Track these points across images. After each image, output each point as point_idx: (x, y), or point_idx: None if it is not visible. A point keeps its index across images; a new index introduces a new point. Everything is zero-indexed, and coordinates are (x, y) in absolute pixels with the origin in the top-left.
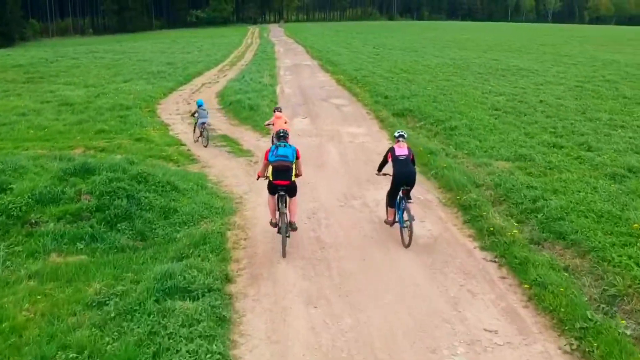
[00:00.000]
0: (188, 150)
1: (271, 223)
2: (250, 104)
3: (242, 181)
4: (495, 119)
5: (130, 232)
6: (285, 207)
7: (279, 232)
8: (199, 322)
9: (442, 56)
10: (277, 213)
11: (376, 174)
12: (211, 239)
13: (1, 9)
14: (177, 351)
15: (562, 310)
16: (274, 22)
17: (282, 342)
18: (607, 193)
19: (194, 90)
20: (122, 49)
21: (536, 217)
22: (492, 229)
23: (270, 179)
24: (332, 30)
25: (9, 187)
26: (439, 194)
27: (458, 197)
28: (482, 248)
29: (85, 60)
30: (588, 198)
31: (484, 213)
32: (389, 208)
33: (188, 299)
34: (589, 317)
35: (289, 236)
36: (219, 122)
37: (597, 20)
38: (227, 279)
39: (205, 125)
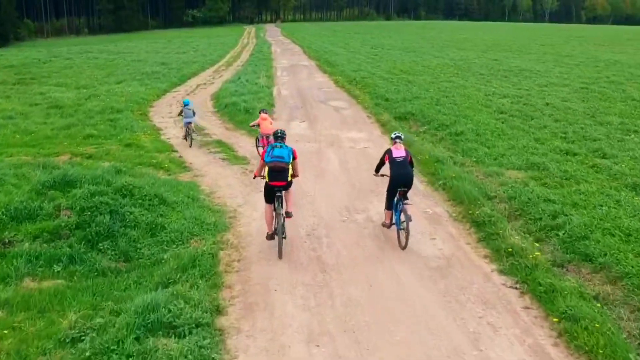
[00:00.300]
0: (180, 157)
1: (267, 236)
2: (246, 107)
3: (237, 192)
4: (502, 123)
5: (113, 253)
6: (282, 207)
7: (275, 233)
8: None
9: (442, 56)
10: (274, 221)
11: (374, 174)
12: (201, 261)
13: None
14: None
15: (600, 351)
16: (271, 21)
17: None
18: (631, 207)
19: (188, 91)
20: (116, 49)
21: (557, 235)
22: (510, 249)
23: (267, 179)
24: (329, 30)
25: None
26: (448, 207)
27: (470, 212)
28: (501, 271)
29: (79, 60)
30: (612, 213)
31: (500, 231)
32: (386, 211)
33: (173, 335)
34: None
35: (285, 237)
36: (213, 126)
37: (594, 20)
38: (218, 310)
39: (191, 125)
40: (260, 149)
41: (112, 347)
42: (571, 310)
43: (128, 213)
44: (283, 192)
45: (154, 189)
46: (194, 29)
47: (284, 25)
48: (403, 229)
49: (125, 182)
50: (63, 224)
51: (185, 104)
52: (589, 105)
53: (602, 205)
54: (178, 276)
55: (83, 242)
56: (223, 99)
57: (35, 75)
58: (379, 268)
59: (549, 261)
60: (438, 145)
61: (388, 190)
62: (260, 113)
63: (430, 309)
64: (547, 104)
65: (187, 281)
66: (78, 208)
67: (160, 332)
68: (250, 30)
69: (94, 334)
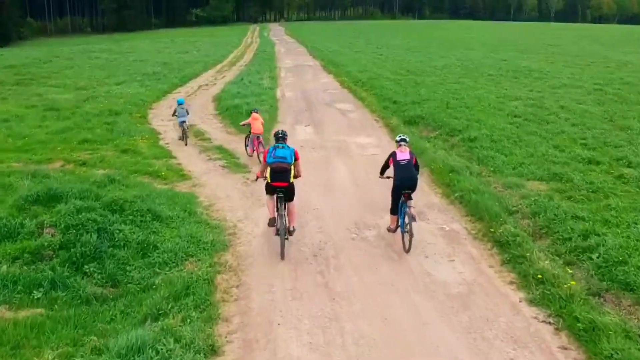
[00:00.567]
0: (178, 164)
1: (269, 221)
2: (248, 110)
3: (237, 205)
4: (517, 127)
5: (99, 276)
6: (284, 209)
7: (277, 234)
8: None
9: (448, 56)
10: (276, 217)
11: (379, 177)
12: (196, 288)
13: None
14: None
15: None
16: (275, 21)
17: None
18: None
19: (189, 93)
20: (118, 48)
21: (590, 258)
22: (540, 275)
23: (269, 180)
24: (334, 29)
25: None
26: (466, 223)
27: (492, 230)
28: (531, 301)
29: (80, 60)
30: None
31: (527, 253)
32: (391, 215)
33: None
34: None
35: (287, 238)
36: (214, 130)
37: (600, 19)
38: (213, 350)
39: (185, 124)
40: (249, 149)
41: None
42: (618, 354)
43: (117, 231)
44: (287, 205)
45: (147, 203)
46: (197, 29)
47: (288, 25)
48: (407, 231)
49: (115, 196)
50: (46, 244)
51: (180, 103)
52: (606, 108)
53: (636, 223)
54: (169, 306)
55: (67, 265)
56: (225, 101)
57: (34, 75)
58: (394, 297)
59: (584, 289)
60: (451, 153)
61: (392, 194)
62: (251, 112)
63: (455, 349)
64: (562, 107)
65: (179, 312)
66: (63, 226)
67: None
68: (254, 29)
69: None
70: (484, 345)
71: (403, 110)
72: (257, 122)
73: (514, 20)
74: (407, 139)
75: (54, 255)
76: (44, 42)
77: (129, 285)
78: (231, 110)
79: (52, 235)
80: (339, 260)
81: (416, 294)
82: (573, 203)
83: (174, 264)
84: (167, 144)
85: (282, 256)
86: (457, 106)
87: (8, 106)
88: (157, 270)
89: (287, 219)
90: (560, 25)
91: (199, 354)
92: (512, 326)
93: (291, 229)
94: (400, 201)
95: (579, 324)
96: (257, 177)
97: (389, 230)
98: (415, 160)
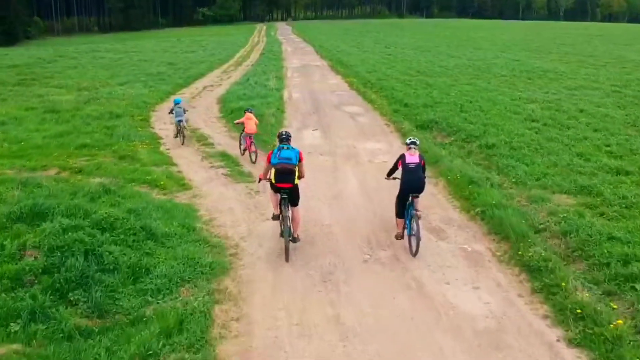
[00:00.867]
0: (179, 172)
1: (273, 216)
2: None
3: (240, 219)
4: (536, 133)
5: (85, 305)
6: (288, 210)
7: (281, 235)
8: None
9: (459, 56)
10: (281, 218)
11: (385, 178)
12: (190, 323)
13: (5, 8)
14: None
15: None
16: (282, 20)
17: None
18: None
19: (194, 94)
20: (124, 48)
21: (634, 288)
22: (579, 310)
23: (273, 181)
24: (341, 28)
25: None
26: (489, 242)
27: (519, 252)
28: (570, 341)
29: (84, 60)
30: None
31: (562, 282)
32: (397, 219)
33: None
34: None
35: (292, 240)
36: (218, 134)
37: (610, 17)
38: None
39: (183, 123)
40: (243, 147)
41: None
42: None
43: (107, 253)
44: (291, 210)
45: (142, 219)
46: (204, 28)
47: (296, 24)
48: (414, 234)
49: (106, 213)
50: (27, 268)
51: (176, 103)
52: (628, 112)
53: None
54: (160, 345)
55: (49, 292)
56: (230, 103)
57: (37, 75)
58: (415, 335)
59: (631, 327)
60: (468, 161)
61: (398, 197)
62: (245, 112)
63: None
64: (581, 110)
65: (171, 352)
66: (46, 247)
67: None
68: (261, 28)
69: None
70: None
71: (415, 114)
72: (250, 122)
73: (523, 19)
74: (418, 142)
75: (35, 281)
76: (50, 41)
77: (117, 316)
78: (236, 112)
79: (35, 258)
80: (351, 287)
81: (439, 331)
82: (607, 221)
83: (168, 291)
84: (168, 149)
85: (287, 259)
86: (471, 109)
87: (7, 108)
88: (149, 298)
89: (291, 225)
90: (569, 24)
91: None
92: None
93: (295, 236)
94: (407, 203)
95: None
96: (260, 179)
97: (396, 237)
98: (424, 163)
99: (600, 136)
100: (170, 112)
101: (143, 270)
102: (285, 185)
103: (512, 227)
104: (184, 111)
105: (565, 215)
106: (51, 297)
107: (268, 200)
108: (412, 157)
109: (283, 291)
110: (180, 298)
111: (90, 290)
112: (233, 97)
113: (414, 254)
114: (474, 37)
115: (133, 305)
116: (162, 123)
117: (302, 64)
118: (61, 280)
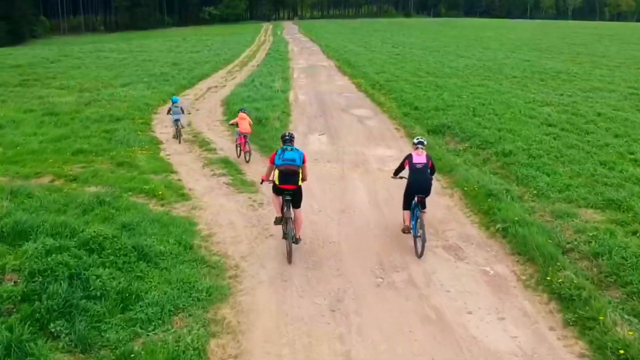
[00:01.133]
0: (178, 180)
1: (276, 220)
2: (257, 116)
3: (241, 235)
4: (555, 139)
5: (68, 338)
6: (291, 212)
7: (284, 237)
8: None
9: (468, 56)
10: (283, 220)
11: (392, 177)
12: None
13: (10, 7)
14: None
15: None
16: (288, 19)
17: None
18: None
19: (197, 95)
20: (129, 47)
21: None
22: (622, 350)
23: (276, 182)
24: (348, 27)
25: None
26: (513, 264)
27: (548, 278)
28: None
29: (88, 60)
30: None
31: (599, 315)
32: (404, 211)
33: None
34: None
35: (295, 242)
36: (221, 139)
37: (618, 17)
38: None
39: (180, 122)
40: (238, 147)
41: None
42: None
43: (94, 277)
44: (294, 212)
45: (134, 237)
46: (210, 27)
47: (302, 23)
48: (419, 236)
49: (94, 232)
50: (5, 295)
51: (174, 102)
52: None
53: None
54: None
55: (29, 322)
56: (234, 105)
57: (39, 76)
58: None
59: None
60: (484, 169)
61: (405, 195)
62: (239, 112)
63: None
64: (599, 113)
65: None
66: (27, 271)
67: None
68: (267, 27)
69: None
70: None
71: (426, 118)
72: (244, 122)
73: (531, 18)
74: (425, 142)
75: (14, 310)
76: (56, 40)
77: (102, 350)
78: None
79: (15, 283)
80: (363, 317)
81: None
82: None
83: (160, 322)
84: (169, 155)
85: (289, 261)
86: (484, 113)
87: (6, 110)
88: (139, 329)
89: (294, 226)
90: (578, 23)
91: None
92: None
93: (297, 237)
94: (413, 203)
95: None
96: (263, 180)
97: (403, 231)
98: (432, 164)
99: (622, 142)
100: (169, 112)
101: (133, 296)
102: (289, 186)
103: (537, 248)
104: (182, 110)
105: (594, 233)
106: (30, 328)
107: (271, 214)
108: (420, 157)
109: (287, 323)
110: (172, 330)
111: (74, 320)
112: (237, 99)
113: (419, 256)
114: (483, 36)
115: (120, 337)
116: (163, 126)
117: (309, 64)
118: (42, 309)
